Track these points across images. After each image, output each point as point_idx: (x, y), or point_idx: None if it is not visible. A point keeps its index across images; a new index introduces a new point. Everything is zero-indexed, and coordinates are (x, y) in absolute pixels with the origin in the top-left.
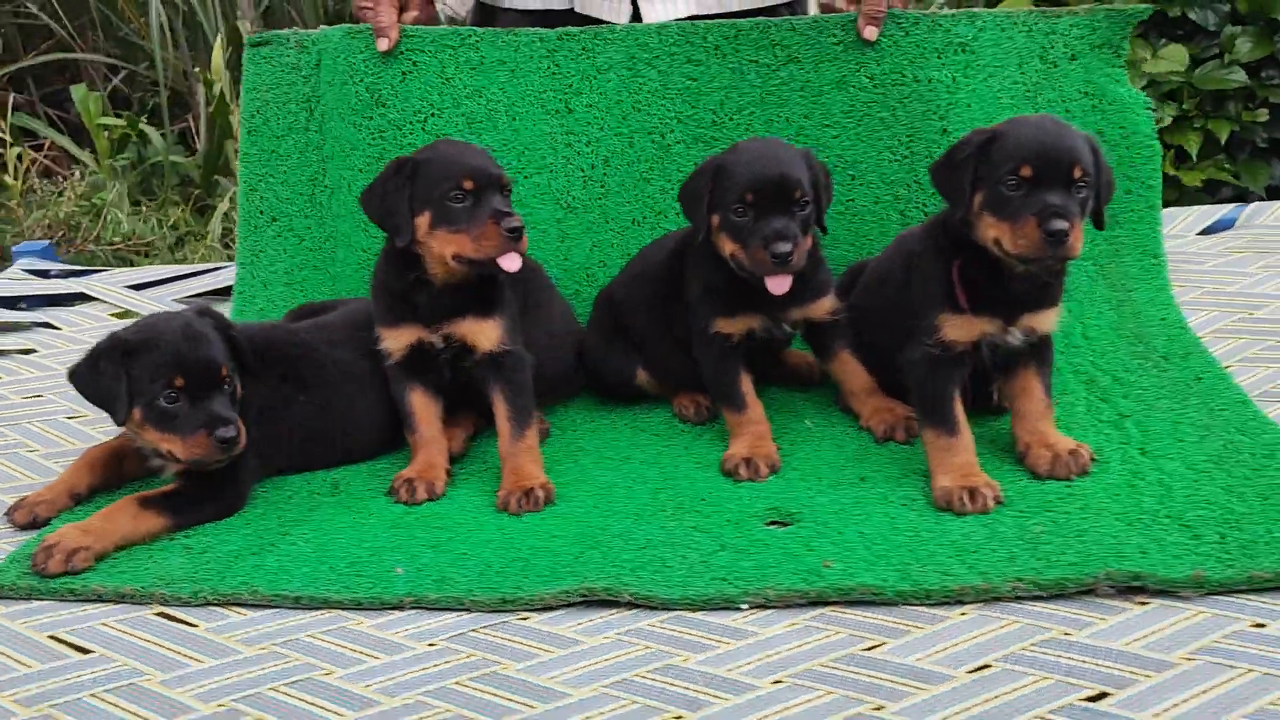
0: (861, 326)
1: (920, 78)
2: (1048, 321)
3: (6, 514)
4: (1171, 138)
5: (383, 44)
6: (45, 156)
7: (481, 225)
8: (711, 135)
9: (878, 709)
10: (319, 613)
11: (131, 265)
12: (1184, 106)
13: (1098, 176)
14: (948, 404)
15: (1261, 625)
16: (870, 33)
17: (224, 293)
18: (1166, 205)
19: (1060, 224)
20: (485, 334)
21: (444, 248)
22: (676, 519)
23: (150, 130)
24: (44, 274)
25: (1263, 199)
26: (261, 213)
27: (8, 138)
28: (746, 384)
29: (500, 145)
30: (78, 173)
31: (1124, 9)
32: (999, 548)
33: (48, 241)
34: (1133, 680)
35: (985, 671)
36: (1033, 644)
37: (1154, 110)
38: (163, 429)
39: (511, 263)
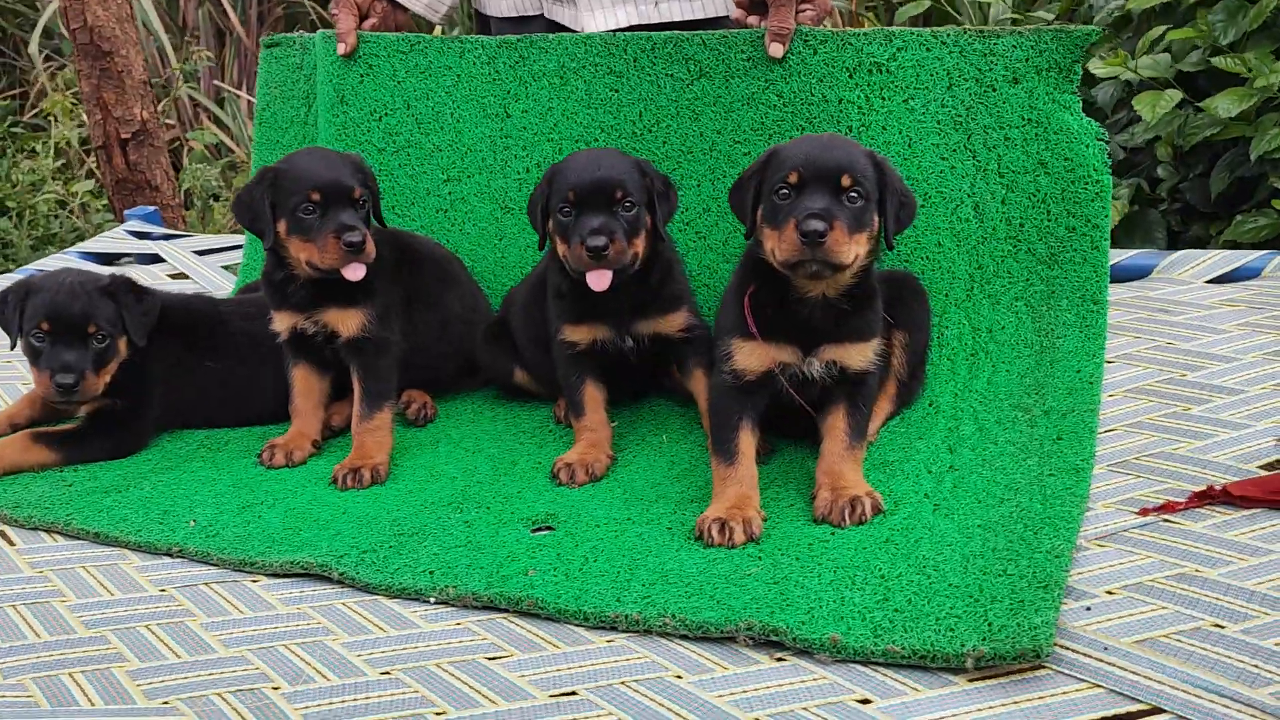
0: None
1: (830, 97)
2: (854, 357)
3: None
4: None
5: (341, 48)
6: None
7: (325, 238)
8: (632, 146)
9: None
10: (106, 549)
11: None
12: None
13: (881, 191)
14: (731, 432)
15: (867, 701)
16: (776, 50)
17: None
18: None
19: (815, 224)
20: (347, 321)
21: (298, 253)
22: (457, 513)
23: None
24: (144, 235)
25: None
26: None
27: None
28: (591, 390)
29: (446, 145)
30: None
31: (1072, 29)
32: (686, 583)
33: (154, 207)
34: None
35: (571, 698)
36: (635, 680)
37: (1105, 140)
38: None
39: (354, 272)
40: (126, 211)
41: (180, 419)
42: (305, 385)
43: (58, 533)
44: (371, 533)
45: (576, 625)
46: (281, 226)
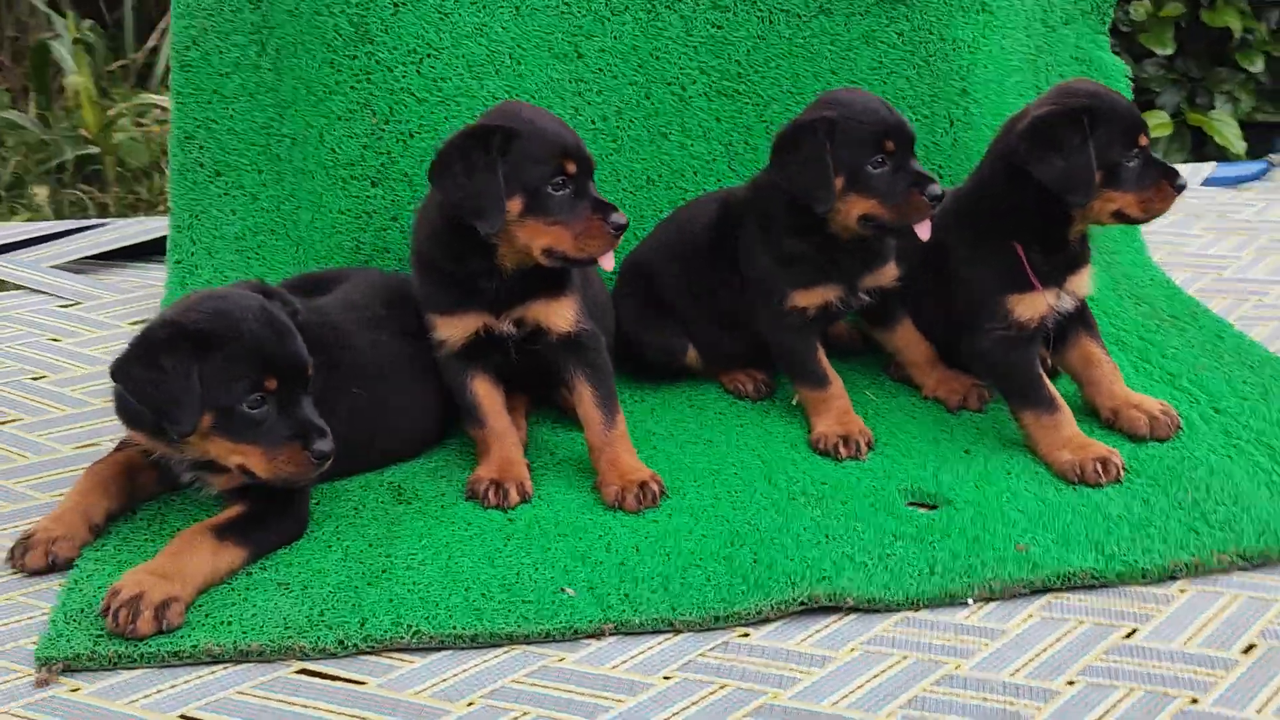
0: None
1: (946, 37)
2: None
3: (11, 558)
4: None
5: None
6: None
7: (585, 220)
8: (736, 88)
9: (1194, 702)
10: (503, 650)
11: None
12: None
13: None
14: (1039, 380)
15: None
16: None
17: (112, 257)
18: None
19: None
20: (560, 314)
21: (534, 239)
22: (818, 508)
23: None
24: None
25: None
26: (201, 165)
27: None
28: (824, 358)
29: (503, 92)
30: None
31: None
32: (1171, 521)
33: None
34: None
35: (1256, 651)
36: (1273, 618)
37: (1130, 78)
38: (241, 439)
39: (609, 261)
40: None
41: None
42: (493, 402)
43: (395, 650)
44: (793, 549)
45: (1135, 584)
46: (514, 205)
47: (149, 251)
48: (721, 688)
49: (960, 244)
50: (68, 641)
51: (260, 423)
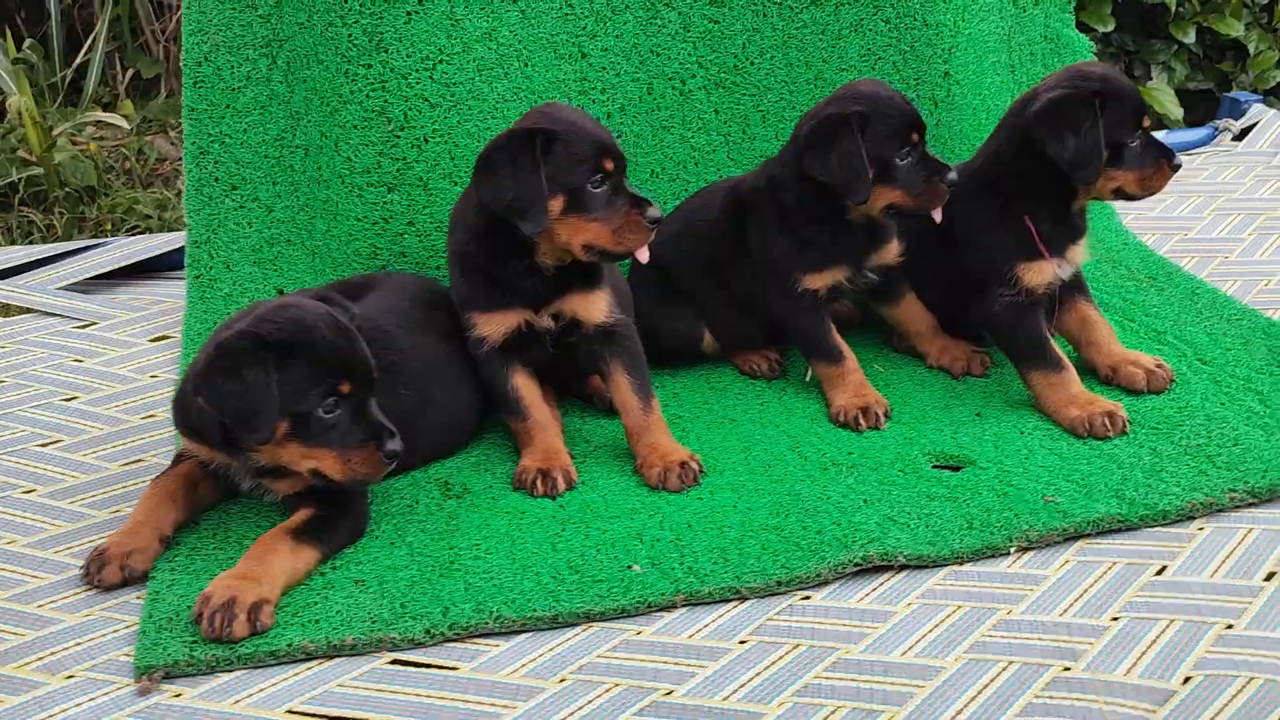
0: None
1: (930, 21)
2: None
3: (87, 574)
4: None
5: None
6: None
7: (623, 215)
8: (733, 80)
9: (1229, 627)
10: (582, 629)
11: None
12: None
13: None
14: (1048, 345)
15: None
16: None
17: (126, 273)
18: None
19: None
20: (595, 306)
21: (575, 236)
22: (852, 476)
23: None
24: None
25: None
26: (217, 180)
27: None
28: (837, 334)
29: (512, 93)
30: None
31: None
32: (1181, 465)
33: None
34: None
35: (1277, 578)
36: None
37: (1095, 53)
38: (316, 443)
39: (645, 254)
40: None
41: None
42: (533, 395)
43: (483, 635)
44: (837, 515)
45: (1155, 525)
46: (555, 204)
47: (156, 267)
48: (795, 647)
49: (973, 214)
50: (164, 649)
51: (334, 426)
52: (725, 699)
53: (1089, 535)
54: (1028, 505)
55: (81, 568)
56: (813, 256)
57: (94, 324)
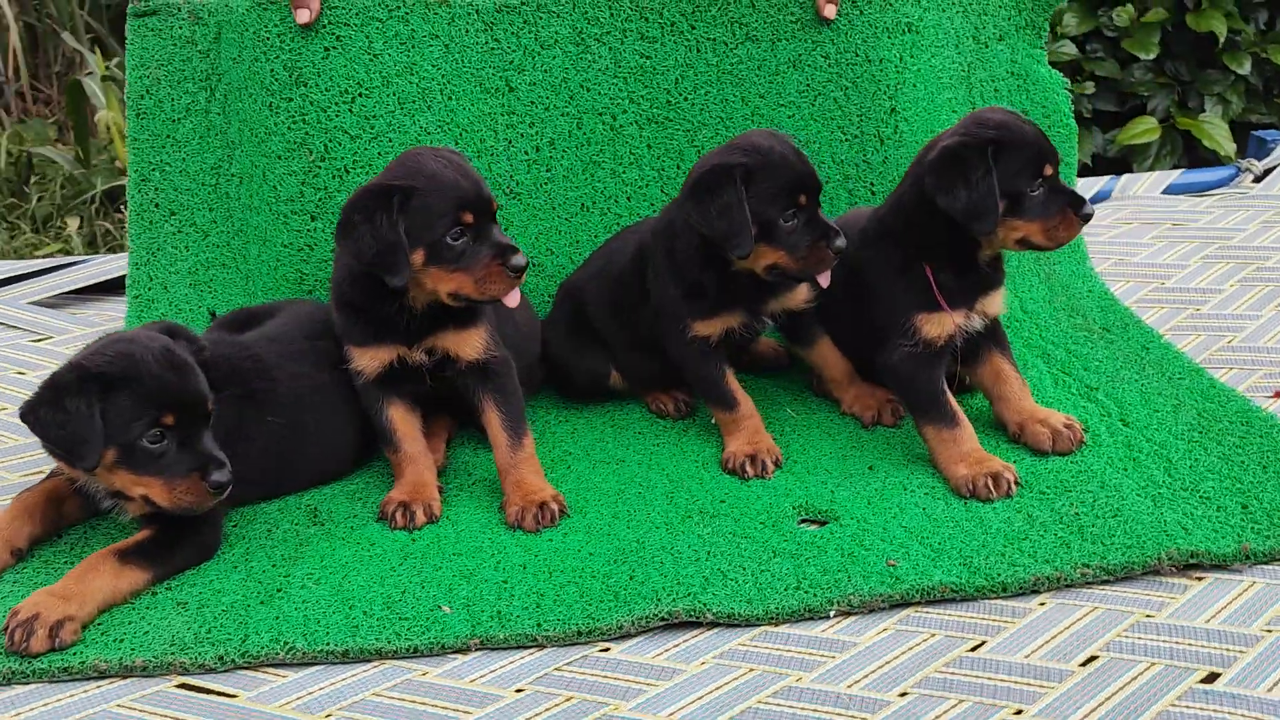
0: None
1: (872, 57)
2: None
3: None
4: None
5: (303, 15)
6: None
7: (484, 266)
8: (665, 116)
9: (1017, 713)
10: (371, 665)
11: None
12: None
13: None
14: (943, 397)
15: None
16: (830, 11)
17: (91, 291)
18: None
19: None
20: (469, 344)
21: (440, 285)
22: (708, 525)
23: None
24: None
25: (1090, 167)
26: (157, 206)
27: None
28: (732, 380)
29: (435, 127)
30: None
31: None
32: (1046, 534)
33: None
34: (1232, 658)
35: (1095, 663)
36: (1123, 630)
37: (1070, 90)
38: (142, 472)
39: (514, 299)
40: None
41: (237, 496)
42: (407, 427)
43: (274, 665)
44: (670, 566)
45: (995, 598)
46: (417, 257)
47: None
48: (568, 700)
49: (874, 263)
50: None
51: (160, 456)
52: None
53: (919, 603)
54: (864, 568)
55: None
56: (702, 304)
57: (49, 338)
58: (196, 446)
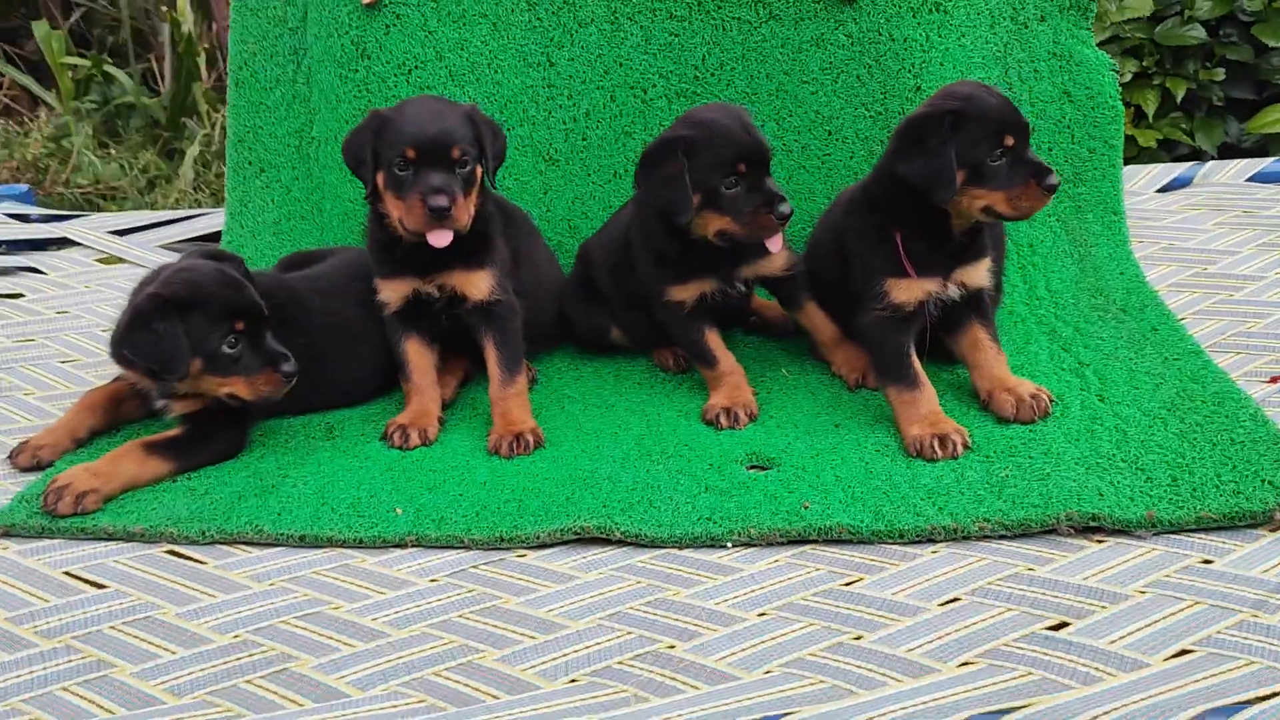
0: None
1: (896, 36)
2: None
3: (9, 457)
4: (1130, 95)
5: None
6: (4, 95)
7: (412, 198)
8: (693, 90)
9: (856, 639)
10: (323, 550)
11: (99, 209)
12: (1144, 63)
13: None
14: (907, 359)
15: (1209, 561)
16: None
17: (206, 239)
18: (1125, 163)
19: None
20: (475, 284)
21: (392, 210)
22: (661, 464)
23: (116, 71)
24: (24, 218)
25: (1215, 158)
26: (250, 163)
27: None
28: (713, 339)
29: (483, 98)
30: (43, 114)
31: None
32: (967, 491)
33: (26, 186)
34: (1090, 611)
35: (954, 604)
36: (998, 579)
37: (1117, 71)
38: (226, 374)
39: (439, 239)
40: None
41: (276, 408)
42: (420, 360)
43: (245, 543)
44: (606, 492)
45: (893, 543)
46: (380, 179)
47: None
48: (469, 592)
49: (854, 230)
50: (13, 514)
51: (237, 359)
52: (374, 620)
53: (816, 541)
54: (779, 506)
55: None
56: (674, 270)
57: None
58: (264, 346)
